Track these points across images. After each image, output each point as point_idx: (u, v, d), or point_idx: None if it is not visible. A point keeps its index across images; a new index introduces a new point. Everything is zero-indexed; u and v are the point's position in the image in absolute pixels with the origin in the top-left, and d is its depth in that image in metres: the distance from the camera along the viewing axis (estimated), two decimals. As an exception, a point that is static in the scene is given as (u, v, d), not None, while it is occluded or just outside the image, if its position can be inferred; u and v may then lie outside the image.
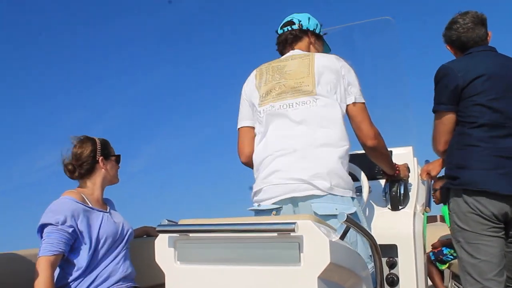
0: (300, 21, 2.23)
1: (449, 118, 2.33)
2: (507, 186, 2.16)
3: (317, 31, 2.26)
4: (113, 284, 2.20)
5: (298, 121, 1.97)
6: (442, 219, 5.37)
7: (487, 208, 2.17)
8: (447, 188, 2.35)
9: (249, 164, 2.14)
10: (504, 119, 2.21)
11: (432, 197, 2.74)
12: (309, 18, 2.26)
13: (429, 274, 4.46)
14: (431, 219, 6.23)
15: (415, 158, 2.80)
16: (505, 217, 2.19)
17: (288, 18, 2.28)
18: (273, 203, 1.91)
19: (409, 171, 2.53)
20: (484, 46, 2.40)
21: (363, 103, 2.04)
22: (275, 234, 1.38)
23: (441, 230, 5.03)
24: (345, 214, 1.45)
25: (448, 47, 2.52)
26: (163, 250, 1.55)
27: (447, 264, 4.61)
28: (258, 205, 1.96)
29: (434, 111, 2.39)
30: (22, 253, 2.32)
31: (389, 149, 2.30)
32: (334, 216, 1.78)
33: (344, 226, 1.50)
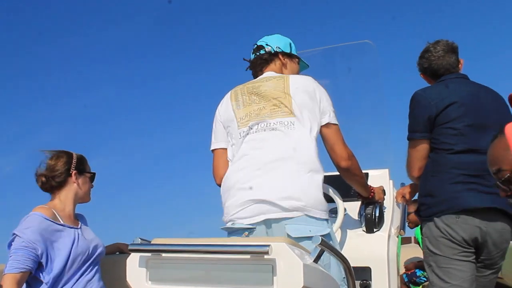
0: (268, 44, 2.24)
1: (423, 146, 2.37)
2: (475, 200, 2.19)
3: (287, 51, 2.26)
4: (82, 303, 2.15)
5: (275, 142, 1.97)
6: (416, 241, 5.42)
7: (457, 233, 2.20)
8: (419, 215, 2.38)
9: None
10: (475, 145, 2.25)
11: (406, 220, 2.76)
12: (278, 40, 2.27)
13: None
14: (405, 240, 6.28)
15: (391, 181, 2.82)
16: (475, 242, 2.21)
17: (257, 43, 2.29)
18: (246, 224, 1.90)
19: (384, 194, 2.54)
20: (456, 74, 2.47)
21: (337, 124, 2.06)
22: (248, 256, 1.37)
23: (415, 252, 5.07)
24: (319, 237, 1.45)
25: (421, 76, 2.59)
26: (135, 269, 1.52)
27: (421, 286, 4.65)
28: (232, 224, 1.94)
29: (408, 138, 2.43)
30: None
31: (365, 171, 2.32)
32: (308, 238, 1.78)
33: (319, 248, 1.49)
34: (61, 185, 2.29)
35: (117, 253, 2.78)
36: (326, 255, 1.75)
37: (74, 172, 2.31)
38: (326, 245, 1.50)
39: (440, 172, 2.29)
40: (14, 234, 2.08)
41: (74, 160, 2.33)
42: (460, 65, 2.50)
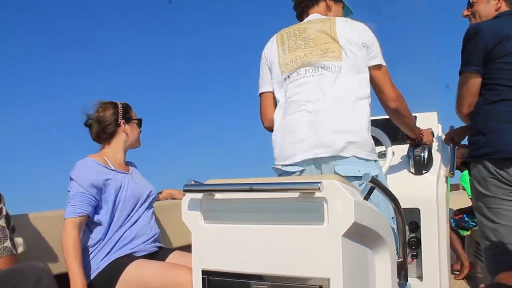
0: None
1: (475, 80, 2.28)
2: None
3: None
4: (139, 245, 2.25)
5: (324, 86, 1.96)
6: (464, 188, 5.34)
7: (507, 173, 2.15)
8: (469, 155, 2.33)
9: (272, 128, 2.15)
10: None
11: (455, 163, 2.72)
12: None
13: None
14: (453, 187, 6.19)
15: (439, 124, 2.78)
16: None
17: None
18: (296, 164, 1.92)
19: (433, 136, 2.51)
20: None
21: (385, 66, 2.03)
22: (300, 193, 1.39)
23: (462, 198, 5.01)
24: (370, 175, 1.46)
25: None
26: (189, 209, 1.58)
27: (469, 231, 4.62)
28: (281, 166, 1.98)
29: (460, 72, 2.34)
30: (49, 214, 2.38)
31: (413, 114, 2.28)
32: (357, 178, 1.79)
33: (368, 187, 1.50)
34: (111, 135, 2.37)
35: (170, 199, 2.89)
36: (375, 194, 1.76)
37: (122, 121, 2.38)
38: (376, 183, 1.51)
39: (492, 110, 2.22)
40: (70, 179, 2.18)
41: (120, 110, 2.39)
42: None
